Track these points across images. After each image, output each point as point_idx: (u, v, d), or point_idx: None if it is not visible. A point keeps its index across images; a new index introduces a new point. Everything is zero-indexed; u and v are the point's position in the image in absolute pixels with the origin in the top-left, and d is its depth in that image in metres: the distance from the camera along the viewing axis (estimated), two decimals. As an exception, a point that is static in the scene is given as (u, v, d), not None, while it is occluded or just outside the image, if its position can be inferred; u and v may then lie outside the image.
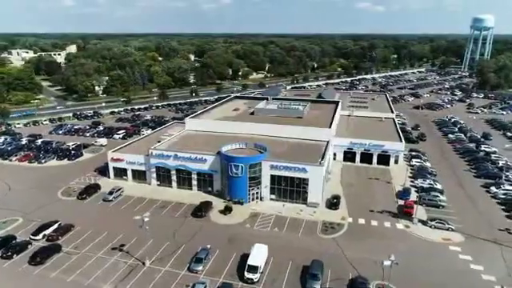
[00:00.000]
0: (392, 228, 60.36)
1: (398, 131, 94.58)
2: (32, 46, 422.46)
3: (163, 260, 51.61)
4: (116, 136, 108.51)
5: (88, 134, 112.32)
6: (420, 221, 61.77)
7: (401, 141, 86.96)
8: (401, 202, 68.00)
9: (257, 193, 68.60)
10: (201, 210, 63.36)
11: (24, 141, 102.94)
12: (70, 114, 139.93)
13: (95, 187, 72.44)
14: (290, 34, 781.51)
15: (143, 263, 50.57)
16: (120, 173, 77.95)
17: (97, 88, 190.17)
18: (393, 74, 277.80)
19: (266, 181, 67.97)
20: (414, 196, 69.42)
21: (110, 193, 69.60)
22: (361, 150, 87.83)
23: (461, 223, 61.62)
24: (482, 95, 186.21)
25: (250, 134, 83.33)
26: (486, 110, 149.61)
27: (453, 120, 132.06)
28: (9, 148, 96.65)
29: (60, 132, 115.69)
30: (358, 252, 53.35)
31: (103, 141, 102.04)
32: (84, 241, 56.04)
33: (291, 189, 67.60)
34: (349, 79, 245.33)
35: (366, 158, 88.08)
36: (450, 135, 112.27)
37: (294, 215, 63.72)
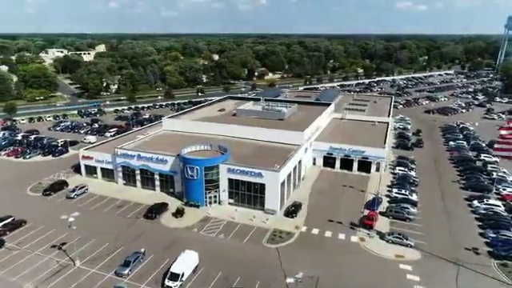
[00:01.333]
0: (345, 241, 56.45)
1: (385, 137, 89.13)
2: (68, 45, 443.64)
3: (96, 261, 51.08)
4: (107, 134, 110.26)
5: (82, 132, 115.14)
6: (380, 234, 57.49)
7: (383, 147, 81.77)
8: (366, 213, 63.74)
9: (215, 196, 66.78)
10: (151, 212, 62.44)
11: (19, 136, 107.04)
12: (75, 112, 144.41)
13: (62, 184, 73.53)
14: (324, 34, 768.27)
15: (74, 263, 50.32)
16: (91, 171, 78.82)
17: (112, 86, 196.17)
18: (416, 75, 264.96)
19: (224, 184, 66.00)
20: (384, 207, 65.09)
21: (73, 190, 70.39)
22: (341, 155, 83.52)
23: (425, 239, 56.64)
24: (506, 100, 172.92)
25: (223, 135, 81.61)
26: (504, 116, 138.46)
27: (461, 126, 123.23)
28: (2, 143, 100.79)
29: (58, 129, 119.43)
30: (297, 265, 50.10)
31: (92, 138, 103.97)
32: (29, 237, 56.72)
33: (249, 194, 65.17)
34: (367, 81, 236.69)
35: (347, 164, 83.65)
36: (452, 142, 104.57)
37: (246, 221, 61.28)
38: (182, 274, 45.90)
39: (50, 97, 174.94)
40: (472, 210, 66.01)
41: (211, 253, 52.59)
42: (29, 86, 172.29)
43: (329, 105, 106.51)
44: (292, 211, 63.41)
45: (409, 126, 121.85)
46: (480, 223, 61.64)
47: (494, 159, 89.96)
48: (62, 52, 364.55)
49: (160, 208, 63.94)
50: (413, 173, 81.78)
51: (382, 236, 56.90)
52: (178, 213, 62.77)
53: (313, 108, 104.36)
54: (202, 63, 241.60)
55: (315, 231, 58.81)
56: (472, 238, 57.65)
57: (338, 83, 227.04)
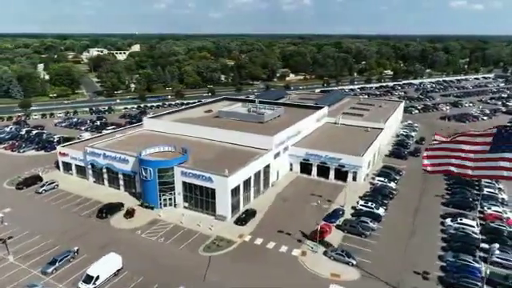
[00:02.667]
0: (285, 254, 53.31)
1: (370, 144, 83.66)
2: (110, 45, 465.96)
3: (29, 257, 52.15)
4: (104, 131, 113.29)
5: (83, 128, 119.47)
6: (328, 247, 53.82)
7: (361, 155, 76.65)
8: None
9: (170, 199, 66.03)
10: (102, 212, 62.89)
11: (23, 131, 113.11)
12: (87, 109, 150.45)
13: (35, 179, 76.34)
14: (367, 34, 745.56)
15: (8, 258, 51.70)
16: (67, 167, 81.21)
17: (132, 85, 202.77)
18: (448, 79, 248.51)
19: (179, 187, 65.07)
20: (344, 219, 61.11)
21: (42, 185, 72.85)
22: (317, 162, 79.58)
23: (374, 258, 52.18)
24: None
25: (197, 137, 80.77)
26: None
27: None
28: (6, 136, 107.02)
29: (63, 125, 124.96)
30: (223, 276, 48.13)
31: (86, 135, 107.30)
32: (-21, 229, 59.19)
33: (201, 198, 63.75)
34: (391, 83, 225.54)
35: (324, 171, 79.59)
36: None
37: (192, 226, 59.92)
38: (97, 277, 45.50)
39: (72, 94, 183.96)
40: (442, 229, 59.99)
41: (142, 257, 51.95)
42: (52, 83, 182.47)
43: (320, 108, 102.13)
44: (243, 219, 61.13)
45: (413, 133, 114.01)
46: (445, 244, 55.80)
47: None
48: (101, 51, 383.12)
49: (113, 208, 64.24)
50: (392, 184, 76.03)
51: (326, 251, 53.18)
52: (128, 214, 62.72)
53: (304, 111, 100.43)
54: (223, 64, 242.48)
55: (258, 241, 56.19)
56: (428, 260, 52.20)
57: (360, 86, 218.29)
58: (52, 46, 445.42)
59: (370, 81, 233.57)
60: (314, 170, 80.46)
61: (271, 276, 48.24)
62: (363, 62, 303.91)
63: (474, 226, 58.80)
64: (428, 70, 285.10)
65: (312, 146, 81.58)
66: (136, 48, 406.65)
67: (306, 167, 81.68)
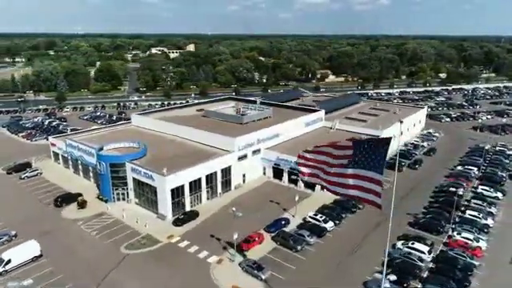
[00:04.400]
0: (201, 260, 51.38)
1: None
2: (169, 45, 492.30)
3: (-27, 238, 56.92)
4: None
5: (99, 122, 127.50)
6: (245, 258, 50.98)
7: (329, 163, 70.88)
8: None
9: (122, 194, 67.61)
10: (57, 201, 66.47)
11: (46, 122, 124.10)
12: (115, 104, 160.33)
13: (25, 165, 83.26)
14: (443, 35, 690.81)
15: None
16: (57, 157, 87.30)
17: (169, 83, 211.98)
18: (510, 85, 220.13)
19: (131, 183, 66.35)
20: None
21: (26, 172, 79.27)
22: (287, 167, 75.71)
23: (291, 275, 48.30)
24: None
25: (173, 135, 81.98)
26: None
27: (497, 149, 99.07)
28: (30, 126, 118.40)
29: (84, 118, 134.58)
30: (126, 275, 48.09)
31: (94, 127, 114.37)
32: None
33: (147, 196, 64.31)
34: (438, 88, 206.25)
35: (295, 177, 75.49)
36: (459, 167, 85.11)
37: (130, 223, 60.62)
38: (8, 261, 48.24)
39: (112, 89, 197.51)
40: (390, 252, 53.29)
41: (67, 247, 53.95)
42: (95, 79, 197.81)
43: (315, 111, 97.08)
44: (181, 220, 60.43)
45: (425, 144, 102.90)
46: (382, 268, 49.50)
47: (495, 194, 70.66)
48: (160, 50, 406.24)
49: (69, 198, 67.43)
50: (363, 197, 69.23)
51: (240, 262, 50.33)
52: (79, 205, 65.44)
53: (296, 114, 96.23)
54: (260, 63, 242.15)
55: (183, 244, 55.09)
56: (351, 285, 46.78)
57: (400, 89, 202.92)
58: (120, 45, 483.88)
59: (413, 85, 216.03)
60: (285, 176, 76.73)
61: (172, 281, 46.99)
62: (419, 64, 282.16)
63: (424, 253, 51.32)
64: (488, 75, 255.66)
65: (287, 151, 77.68)
66: (191, 47, 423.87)
67: (278, 172, 78.22)
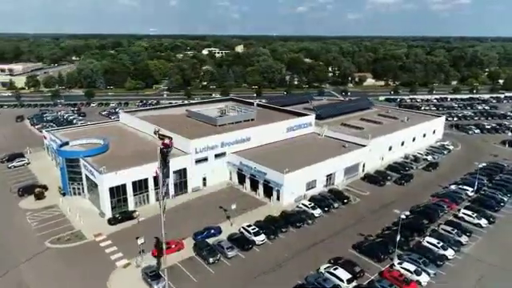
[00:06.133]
0: (110, 262, 50.64)
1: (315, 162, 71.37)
2: (223, 46, 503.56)
3: None
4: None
5: (112, 118, 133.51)
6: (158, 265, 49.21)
7: (285, 172, 65.90)
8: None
9: (78, 188, 69.46)
10: (19, 191, 70.25)
11: (65, 116, 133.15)
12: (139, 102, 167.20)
13: (17, 156, 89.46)
14: None
15: None
16: (47, 149, 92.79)
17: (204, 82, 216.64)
18: None
19: (84, 178, 67.95)
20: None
21: (12, 161, 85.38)
22: (248, 173, 72.13)
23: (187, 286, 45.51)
24: None
25: (148, 134, 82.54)
26: None
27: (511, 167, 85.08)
28: (49, 118, 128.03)
29: (103, 113, 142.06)
30: (27, 271, 49.04)
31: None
32: None
33: (95, 192, 65.22)
34: (486, 96, 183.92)
35: (255, 184, 71.77)
36: (452, 186, 74.38)
37: (72, 218, 61.81)
38: None
39: (145, 88, 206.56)
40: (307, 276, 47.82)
41: (1, 237, 56.50)
42: (131, 77, 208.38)
43: (303, 115, 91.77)
44: (116, 219, 60.34)
45: (429, 157, 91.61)
46: (287, 294, 44.54)
47: (478, 221, 60.39)
48: (210, 51, 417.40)
49: (31, 188, 70.76)
50: (318, 211, 63.29)
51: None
52: (36, 196, 68.42)
53: (284, 117, 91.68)
54: (293, 64, 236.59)
55: (105, 244, 54.85)
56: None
57: (441, 95, 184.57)
58: (177, 45, 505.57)
59: (458, 91, 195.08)
60: (248, 183, 73.24)
61: (68, 280, 46.82)
62: (473, 69, 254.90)
63: (342, 281, 45.10)
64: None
65: (253, 157, 74.07)
66: (239, 48, 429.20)
67: (242, 178, 74.95)
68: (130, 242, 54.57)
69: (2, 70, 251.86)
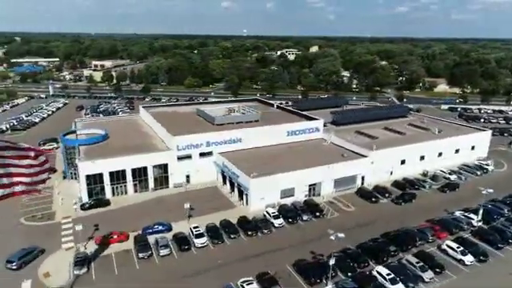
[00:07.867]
0: (58, 244, 54.37)
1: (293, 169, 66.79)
2: (299, 46, 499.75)
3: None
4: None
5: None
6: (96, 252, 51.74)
7: (252, 176, 62.88)
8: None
9: (74, 173, 75.78)
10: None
11: (115, 108, 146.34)
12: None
13: (52, 140, 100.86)
14: None
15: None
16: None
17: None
18: None
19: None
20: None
21: (45, 145, 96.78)
22: (228, 175, 70.89)
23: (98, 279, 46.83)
24: None
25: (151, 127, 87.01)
26: None
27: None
28: (102, 110, 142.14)
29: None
30: None
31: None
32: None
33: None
34: None
35: (233, 186, 70.35)
36: (457, 213, 62.96)
37: (57, 200, 67.33)
38: None
39: (203, 86, 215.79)
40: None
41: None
42: (191, 75, 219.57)
43: (310, 119, 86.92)
44: (89, 205, 64.65)
45: (453, 177, 78.83)
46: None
47: (461, 257, 50.47)
48: (283, 52, 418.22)
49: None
50: (278, 221, 59.26)
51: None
52: (40, 177, 76.55)
53: (288, 120, 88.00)
54: (354, 66, 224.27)
55: (66, 226, 58.97)
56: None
57: (493, 106, 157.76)
58: (258, 46, 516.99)
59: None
60: (228, 184, 72.12)
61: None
62: None
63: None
64: None
65: (237, 158, 72.50)
66: (314, 49, 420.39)
67: (225, 179, 74.00)
68: (90, 227, 58.13)
69: (96, 66, 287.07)
